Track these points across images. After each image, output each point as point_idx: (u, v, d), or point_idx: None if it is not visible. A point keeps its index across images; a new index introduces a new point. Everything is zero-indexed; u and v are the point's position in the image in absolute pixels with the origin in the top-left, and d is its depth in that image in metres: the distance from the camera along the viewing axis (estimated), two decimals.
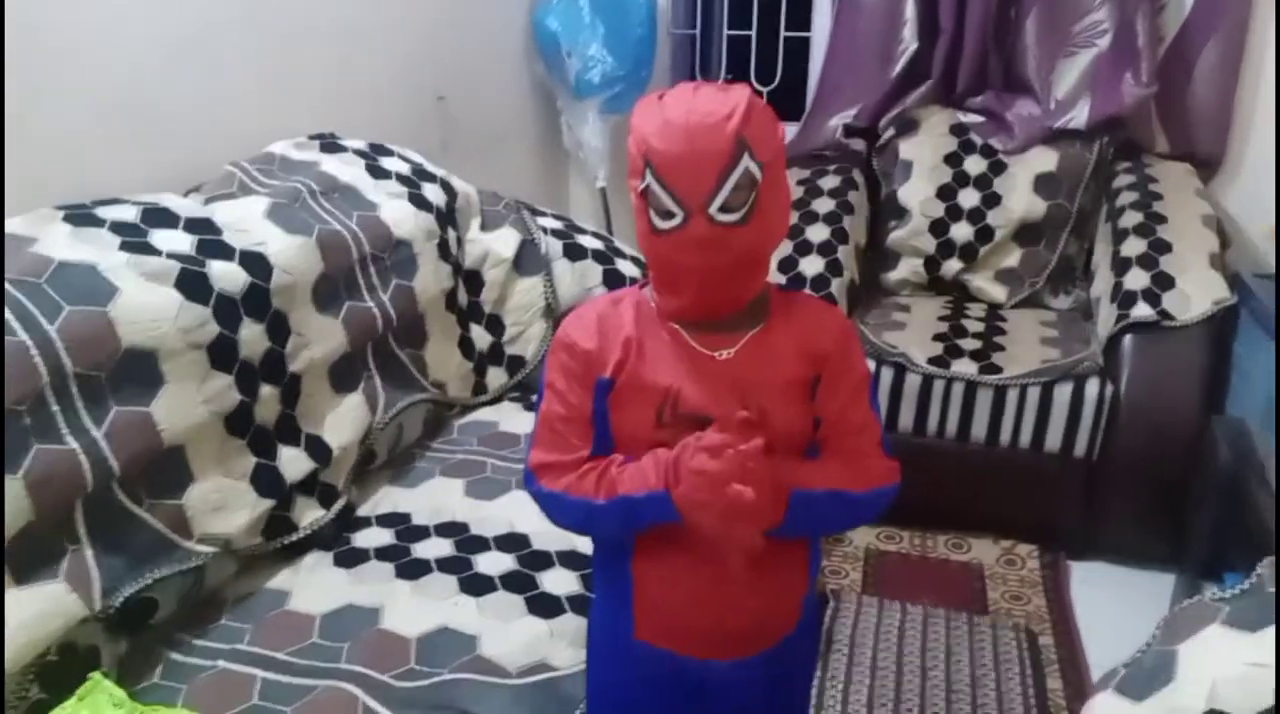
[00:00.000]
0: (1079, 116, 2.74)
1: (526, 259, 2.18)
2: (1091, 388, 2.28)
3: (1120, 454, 2.28)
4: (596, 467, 1.09)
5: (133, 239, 1.48)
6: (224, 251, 1.56)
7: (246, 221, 1.66)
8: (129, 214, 1.53)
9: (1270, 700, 0.95)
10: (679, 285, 1.06)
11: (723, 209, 1.00)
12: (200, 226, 1.58)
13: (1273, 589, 1.05)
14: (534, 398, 2.09)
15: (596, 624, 1.24)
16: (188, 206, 1.63)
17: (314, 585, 1.50)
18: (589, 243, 2.27)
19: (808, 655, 1.30)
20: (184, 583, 1.42)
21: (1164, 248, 2.42)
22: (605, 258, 2.25)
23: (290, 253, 1.66)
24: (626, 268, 2.25)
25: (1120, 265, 2.45)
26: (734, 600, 1.12)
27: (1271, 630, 1.00)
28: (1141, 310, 2.30)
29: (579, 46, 2.99)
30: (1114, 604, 2.27)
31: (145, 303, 1.39)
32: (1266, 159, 2.76)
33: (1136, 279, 2.37)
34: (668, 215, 1.01)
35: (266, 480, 1.53)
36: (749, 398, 1.05)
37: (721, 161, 0.98)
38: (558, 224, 2.30)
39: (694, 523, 1.03)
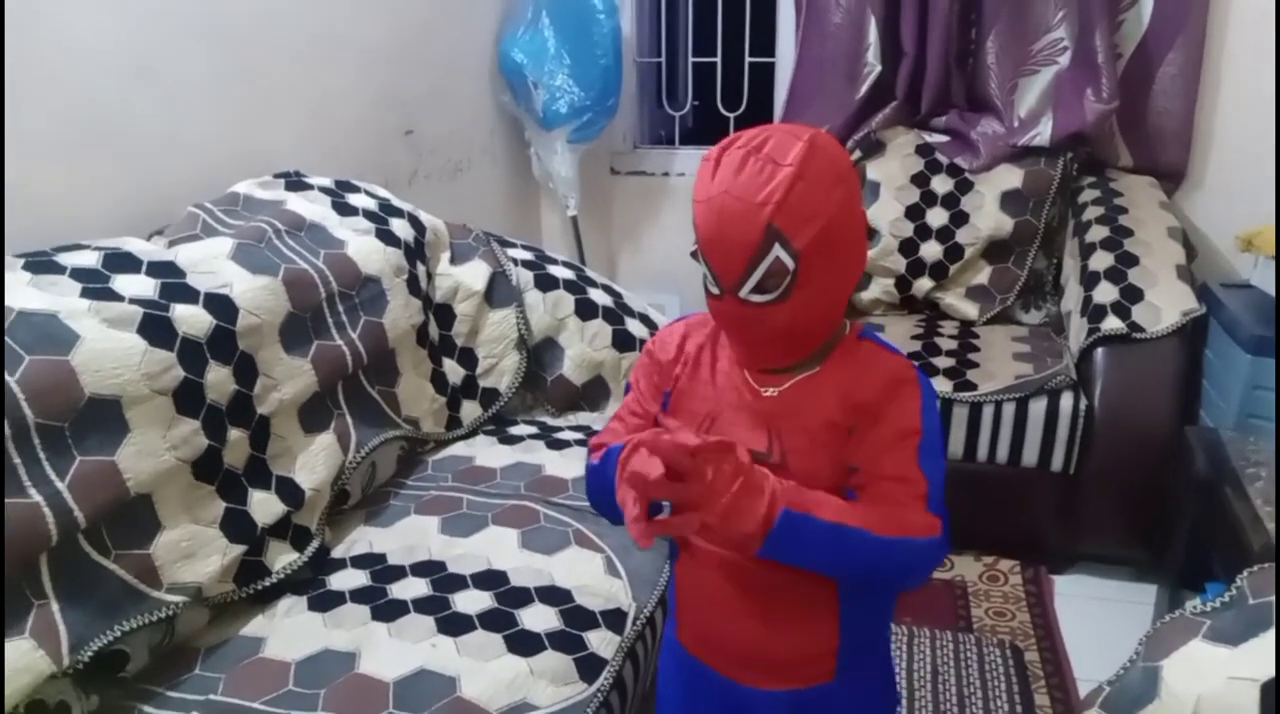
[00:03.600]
0: (1042, 134, 2.77)
1: (498, 291, 2.17)
2: (1066, 402, 2.29)
3: (1097, 467, 2.29)
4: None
5: (94, 285, 1.45)
6: (188, 295, 1.54)
7: (210, 263, 1.64)
8: (90, 260, 1.51)
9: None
10: (729, 340, 1.11)
11: (756, 290, 1.00)
12: (163, 270, 1.56)
13: (1253, 600, 1.05)
14: (508, 430, 2.09)
15: (669, 611, 1.27)
16: (150, 250, 1.61)
17: (288, 631, 1.47)
18: (560, 273, 2.26)
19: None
20: (154, 634, 1.39)
21: (1131, 261, 2.44)
22: (577, 287, 2.24)
23: (256, 293, 1.64)
24: (598, 297, 2.25)
25: (1089, 279, 2.46)
26: (746, 624, 1.12)
27: (1252, 643, 1.00)
28: (1112, 323, 2.31)
29: (545, 77, 3.01)
30: (1097, 617, 2.27)
31: (108, 350, 1.37)
32: (1228, 169, 2.81)
33: (1105, 293, 2.39)
34: (711, 283, 1.03)
35: (237, 525, 1.51)
36: (777, 436, 1.06)
37: (749, 251, 0.97)
38: (528, 255, 2.29)
39: None
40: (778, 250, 0.97)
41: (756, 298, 1.00)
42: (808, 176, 0.96)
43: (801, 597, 1.10)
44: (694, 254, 1.05)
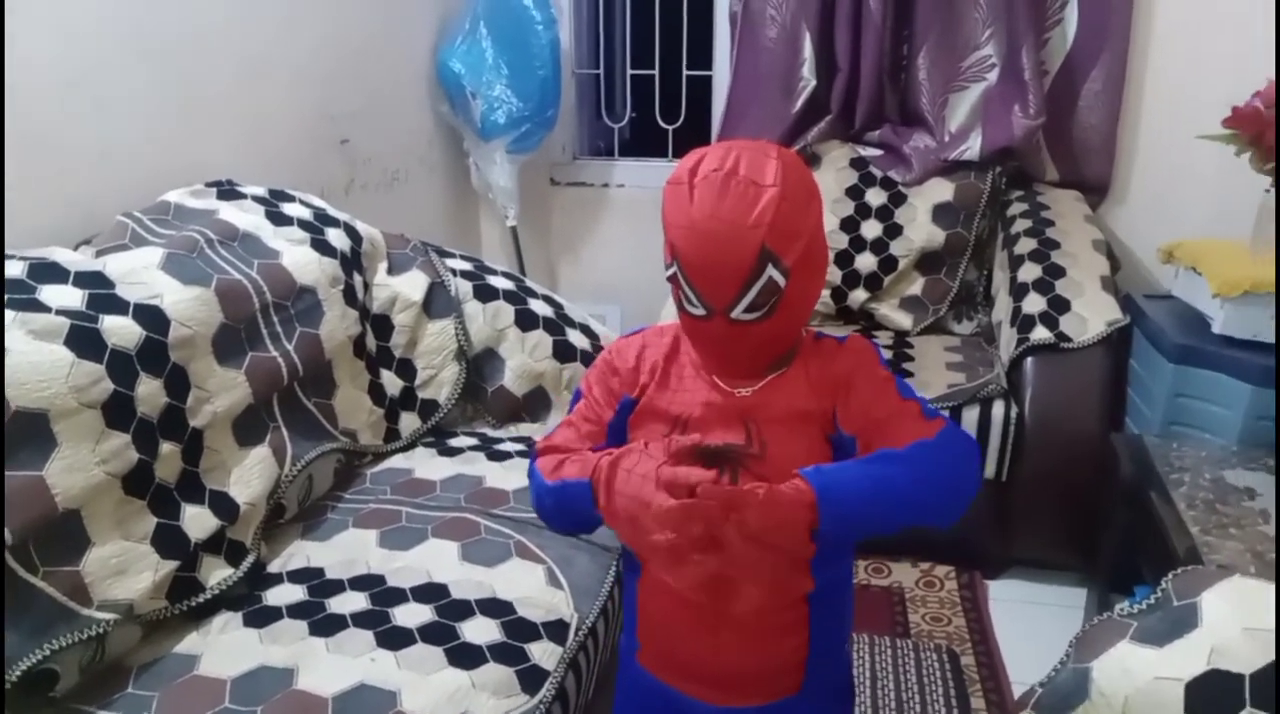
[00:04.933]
0: (972, 148, 2.83)
1: (436, 302, 2.16)
2: (997, 410, 2.34)
3: (1028, 473, 2.34)
4: (567, 455, 1.16)
5: (19, 296, 1.41)
6: (117, 306, 1.51)
7: (140, 274, 1.60)
8: (15, 270, 1.47)
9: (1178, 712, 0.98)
10: (701, 355, 1.12)
11: (746, 310, 1.01)
12: (91, 280, 1.53)
13: (1177, 603, 1.08)
14: (448, 442, 2.08)
15: (623, 633, 1.26)
16: (78, 260, 1.57)
17: (224, 648, 1.44)
18: (500, 283, 2.26)
19: None
20: (85, 652, 1.35)
21: (1058, 272, 2.50)
22: (517, 298, 2.24)
23: (187, 304, 1.61)
24: (539, 307, 2.24)
25: (1018, 290, 2.52)
26: (722, 641, 1.12)
27: (1177, 644, 1.03)
28: (1040, 333, 2.37)
29: (483, 88, 3.00)
30: (1031, 620, 2.32)
31: (34, 362, 1.33)
32: (1150, 184, 2.90)
33: (1034, 303, 2.45)
34: (693, 305, 1.03)
35: (169, 541, 1.47)
36: (754, 428, 1.08)
37: (743, 274, 0.99)
38: (467, 265, 2.28)
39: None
40: (770, 270, 0.99)
41: (745, 317, 1.01)
42: (789, 195, 0.98)
43: (775, 611, 1.11)
44: (671, 278, 1.05)
